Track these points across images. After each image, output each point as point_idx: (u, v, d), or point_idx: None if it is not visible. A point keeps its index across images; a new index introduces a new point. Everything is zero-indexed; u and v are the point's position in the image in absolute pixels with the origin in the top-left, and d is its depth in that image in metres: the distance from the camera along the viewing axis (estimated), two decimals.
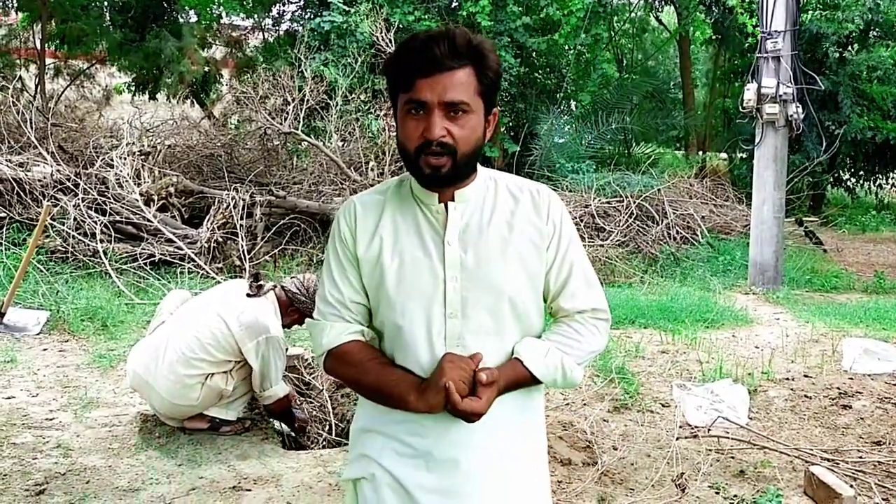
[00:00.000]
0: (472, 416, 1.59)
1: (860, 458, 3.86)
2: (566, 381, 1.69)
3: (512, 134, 13.30)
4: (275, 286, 4.14)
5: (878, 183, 14.95)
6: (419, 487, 1.66)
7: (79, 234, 7.37)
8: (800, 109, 7.72)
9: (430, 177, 1.62)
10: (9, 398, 4.40)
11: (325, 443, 4.33)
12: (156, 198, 8.03)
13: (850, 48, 12.88)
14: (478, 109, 1.62)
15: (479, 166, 1.73)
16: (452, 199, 1.69)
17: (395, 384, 1.64)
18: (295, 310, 4.11)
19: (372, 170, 8.76)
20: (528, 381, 1.67)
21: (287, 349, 4.22)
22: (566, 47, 12.92)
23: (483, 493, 1.67)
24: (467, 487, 1.66)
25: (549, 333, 1.74)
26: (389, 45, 9.66)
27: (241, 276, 6.93)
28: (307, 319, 1.79)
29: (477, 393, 1.59)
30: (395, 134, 8.75)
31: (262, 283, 4.10)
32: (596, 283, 1.78)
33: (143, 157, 8.42)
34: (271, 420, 4.34)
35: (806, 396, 4.65)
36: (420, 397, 1.60)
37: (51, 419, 4.15)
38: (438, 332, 1.65)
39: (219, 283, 4.47)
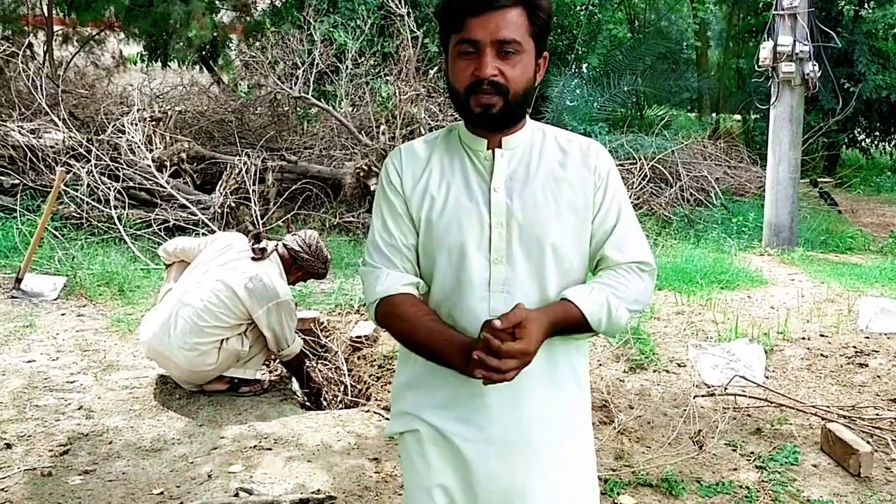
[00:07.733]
0: (520, 358, 1.49)
1: (877, 415, 3.87)
2: (611, 322, 1.64)
3: None
4: (276, 245, 4.15)
5: (893, 143, 14.75)
6: (462, 438, 1.66)
7: (92, 200, 7.39)
8: (816, 67, 7.61)
9: (480, 116, 1.61)
10: (29, 362, 4.45)
11: (341, 404, 4.37)
12: (168, 164, 8.03)
13: (865, 5, 12.63)
14: (529, 50, 1.61)
15: (527, 117, 1.72)
16: (500, 147, 1.68)
17: (445, 345, 1.60)
18: (298, 267, 4.14)
19: (383, 134, 8.68)
20: (576, 320, 1.61)
21: (297, 304, 4.24)
22: (575, 6, 12.72)
23: (526, 443, 1.66)
24: (511, 436, 1.65)
25: (594, 278, 1.72)
26: (399, 6, 9.53)
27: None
28: (360, 268, 1.78)
29: (516, 336, 1.50)
30: (406, 97, 8.62)
31: (264, 246, 4.10)
32: (642, 236, 1.76)
33: (154, 123, 8.40)
34: (290, 381, 4.38)
35: (822, 355, 4.65)
36: (464, 363, 1.54)
37: (72, 382, 4.20)
38: (483, 278, 1.64)
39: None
